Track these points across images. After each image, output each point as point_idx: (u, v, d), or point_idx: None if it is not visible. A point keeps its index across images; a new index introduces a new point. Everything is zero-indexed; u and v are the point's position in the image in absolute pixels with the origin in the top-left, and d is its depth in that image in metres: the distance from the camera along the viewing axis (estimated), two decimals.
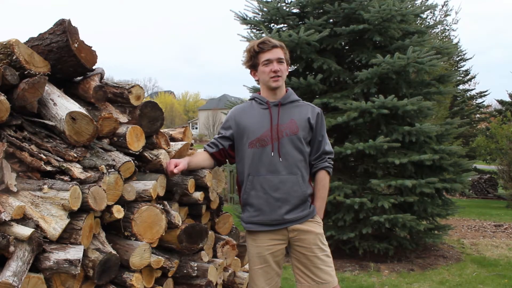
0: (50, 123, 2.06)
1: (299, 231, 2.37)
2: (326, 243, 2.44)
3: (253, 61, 2.44)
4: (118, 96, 2.42)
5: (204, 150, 2.56)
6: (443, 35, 16.62)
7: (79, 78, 2.42)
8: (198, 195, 2.58)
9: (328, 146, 2.49)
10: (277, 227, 2.36)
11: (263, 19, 6.21)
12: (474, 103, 19.99)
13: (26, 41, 2.24)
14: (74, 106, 2.11)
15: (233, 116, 2.49)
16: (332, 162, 2.51)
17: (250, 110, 2.47)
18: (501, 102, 19.23)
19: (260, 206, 2.37)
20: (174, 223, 2.33)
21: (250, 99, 2.55)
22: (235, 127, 2.46)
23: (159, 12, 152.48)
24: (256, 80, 2.59)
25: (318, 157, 2.45)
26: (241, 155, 2.45)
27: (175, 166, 2.33)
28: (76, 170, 1.97)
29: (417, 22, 8.56)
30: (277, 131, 2.36)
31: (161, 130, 2.56)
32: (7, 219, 1.73)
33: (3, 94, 1.91)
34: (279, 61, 2.37)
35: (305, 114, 2.42)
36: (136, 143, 2.34)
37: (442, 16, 16.50)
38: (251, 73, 2.51)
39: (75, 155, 2.02)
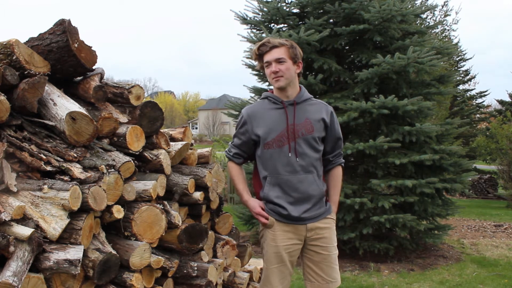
0: (50, 123, 2.06)
1: (317, 229, 2.39)
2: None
3: (260, 64, 2.45)
4: (118, 96, 2.42)
5: (230, 161, 2.52)
6: (443, 35, 16.61)
7: (79, 78, 2.42)
8: (198, 195, 2.58)
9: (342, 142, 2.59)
10: (296, 223, 2.37)
11: (263, 19, 6.20)
12: (474, 103, 19.95)
13: (26, 41, 2.24)
14: (74, 106, 2.11)
15: (249, 118, 2.44)
16: None
17: (264, 111, 2.44)
18: (501, 102, 19.20)
19: (281, 205, 2.38)
20: (174, 223, 2.33)
21: (262, 98, 2.52)
22: (251, 129, 2.43)
23: (159, 12, 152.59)
24: None
25: (336, 154, 2.52)
26: (258, 156, 2.45)
27: (263, 209, 2.42)
28: (76, 170, 1.97)
29: (417, 23, 8.56)
30: (293, 131, 2.36)
31: (161, 130, 2.56)
32: (7, 219, 1.73)
33: (3, 94, 1.91)
34: (278, 61, 2.34)
35: (319, 114, 2.43)
36: (136, 143, 2.34)
37: (442, 16, 16.48)
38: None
39: (75, 155, 2.02)
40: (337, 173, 2.54)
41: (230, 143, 2.57)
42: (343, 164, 2.56)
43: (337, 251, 2.46)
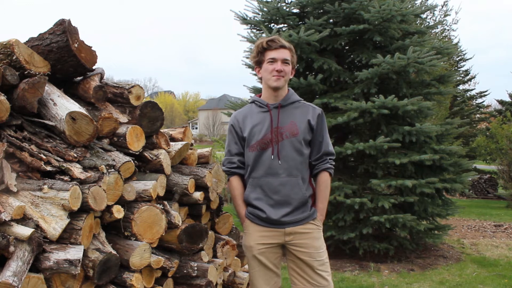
0: (50, 123, 2.06)
1: (297, 234, 2.36)
2: (324, 246, 2.43)
3: (259, 57, 2.41)
4: (118, 96, 2.42)
5: (234, 176, 2.48)
6: (443, 35, 16.60)
7: (79, 78, 2.42)
8: (198, 195, 2.58)
9: (329, 147, 2.48)
10: (274, 227, 2.36)
11: (263, 19, 6.20)
12: (474, 103, 19.95)
13: (26, 41, 2.24)
14: (74, 106, 2.11)
15: (237, 121, 2.47)
16: (333, 163, 2.50)
17: (251, 114, 2.46)
18: (501, 102, 19.21)
19: (260, 208, 2.37)
20: (174, 223, 2.33)
21: (250, 102, 2.54)
22: (241, 133, 2.45)
23: (159, 12, 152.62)
24: (259, 78, 2.58)
25: (319, 158, 2.45)
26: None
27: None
28: (76, 170, 1.97)
29: (417, 23, 8.56)
30: (277, 134, 2.36)
31: (161, 130, 2.56)
32: (7, 219, 1.73)
33: (3, 94, 1.91)
34: (284, 61, 2.35)
35: (305, 116, 2.41)
36: (136, 143, 2.34)
37: (442, 16, 16.47)
38: (255, 69, 2.49)
39: (75, 155, 2.02)
40: (322, 179, 2.45)
41: (225, 158, 2.50)
42: (330, 171, 2.46)
43: (323, 257, 2.39)
